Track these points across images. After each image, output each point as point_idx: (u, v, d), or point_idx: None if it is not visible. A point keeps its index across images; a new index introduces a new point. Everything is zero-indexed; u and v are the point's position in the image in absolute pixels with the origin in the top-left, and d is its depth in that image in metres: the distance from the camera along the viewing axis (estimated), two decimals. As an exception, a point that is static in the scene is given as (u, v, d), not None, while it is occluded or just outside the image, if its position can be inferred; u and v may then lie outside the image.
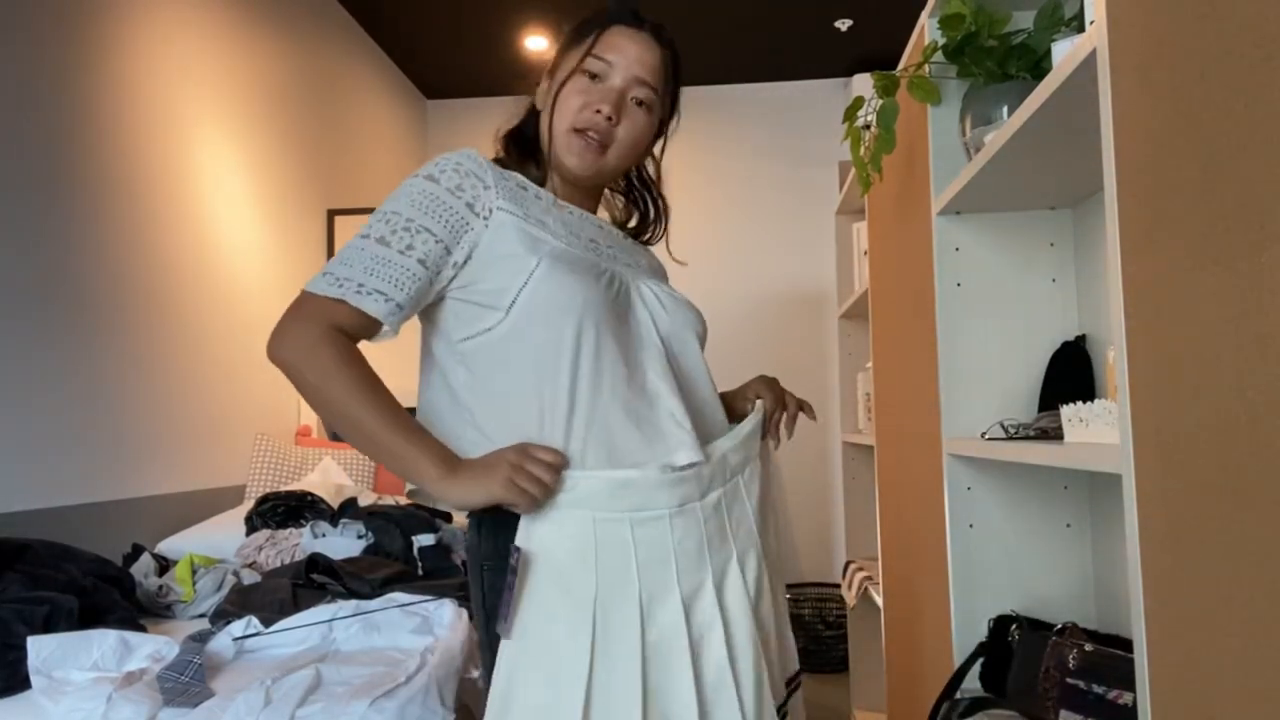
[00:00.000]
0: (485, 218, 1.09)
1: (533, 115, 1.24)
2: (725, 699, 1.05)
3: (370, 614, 1.75)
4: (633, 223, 1.32)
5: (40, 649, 1.50)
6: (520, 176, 1.17)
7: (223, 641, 1.66)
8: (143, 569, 2.30)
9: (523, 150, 1.23)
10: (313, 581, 2.05)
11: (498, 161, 1.21)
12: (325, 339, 1.02)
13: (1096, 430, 1.19)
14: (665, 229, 1.33)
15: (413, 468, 1.02)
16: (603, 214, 1.31)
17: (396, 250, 1.04)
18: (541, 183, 1.20)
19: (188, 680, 1.46)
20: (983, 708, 1.45)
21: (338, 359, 1.02)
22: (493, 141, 1.30)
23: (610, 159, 1.17)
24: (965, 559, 1.61)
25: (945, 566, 1.63)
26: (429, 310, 1.14)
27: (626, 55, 1.16)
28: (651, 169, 1.31)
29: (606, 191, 1.31)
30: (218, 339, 3.05)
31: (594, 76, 1.16)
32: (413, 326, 1.18)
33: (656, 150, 1.29)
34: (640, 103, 1.17)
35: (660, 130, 1.25)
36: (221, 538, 2.57)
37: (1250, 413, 0.72)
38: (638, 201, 1.32)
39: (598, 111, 1.14)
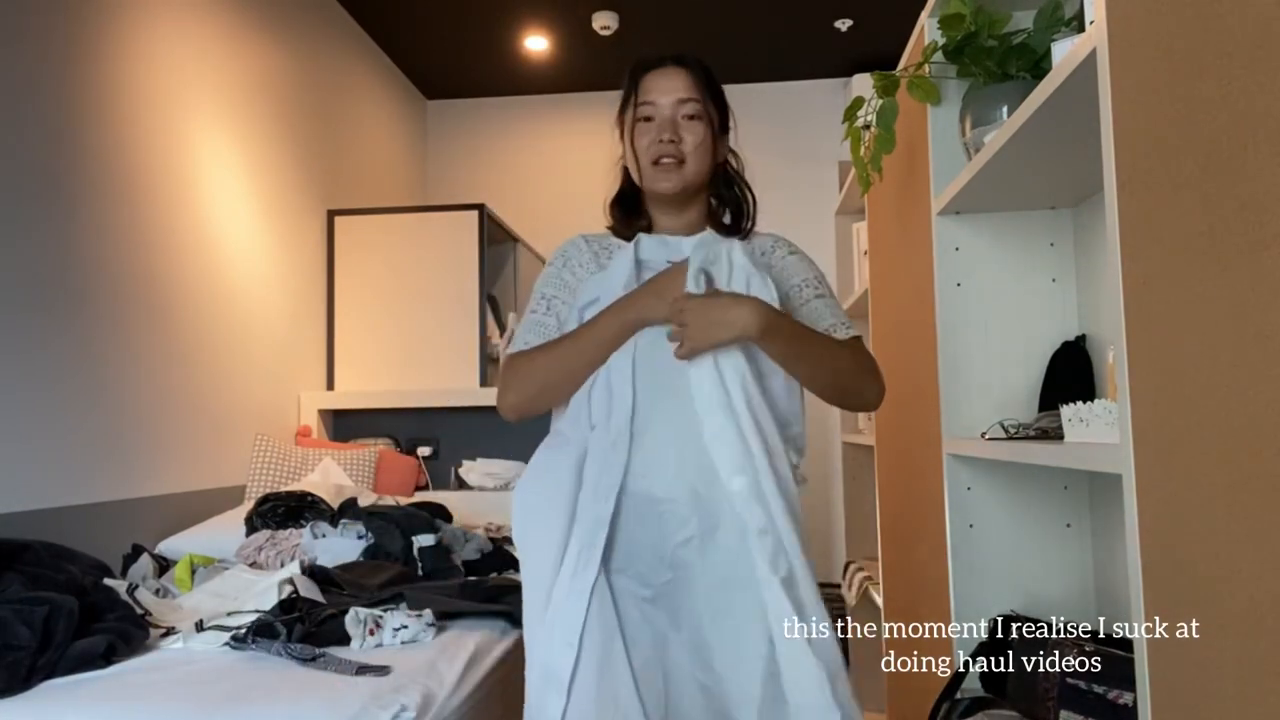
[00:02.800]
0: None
1: (626, 176, 1.50)
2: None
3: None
4: (728, 219, 1.50)
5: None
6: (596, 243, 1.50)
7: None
8: (142, 569, 2.30)
9: (626, 209, 1.49)
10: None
11: (612, 222, 1.52)
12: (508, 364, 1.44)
13: (1096, 430, 1.19)
14: (750, 211, 1.51)
15: (617, 320, 1.33)
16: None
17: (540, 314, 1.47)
18: (649, 227, 1.47)
19: None
20: (983, 708, 1.45)
21: (524, 357, 1.41)
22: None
23: (690, 169, 1.40)
24: (965, 559, 1.61)
25: (945, 567, 1.63)
26: None
27: (663, 90, 1.41)
28: (735, 163, 1.51)
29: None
30: (218, 339, 3.05)
31: (649, 119, 1.41)
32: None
33: (733, 146, 1.50)
34: (691, 116, 1.40)
35: (724, 128, 1.47)
36: (221, 538, 2.57)
37: (1250, 412, 0.72)
38: (728, 198, 1.50)
39: (662, 140, 1.39)
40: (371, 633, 1.79)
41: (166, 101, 2.82)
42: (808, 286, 1.44)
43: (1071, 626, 1.40)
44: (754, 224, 1.51)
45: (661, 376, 1.30)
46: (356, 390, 3.78)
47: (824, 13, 4.22)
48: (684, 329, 1.26)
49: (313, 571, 2.09)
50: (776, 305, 1.31)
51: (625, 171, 1.49)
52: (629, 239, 1.44)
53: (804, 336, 1.32)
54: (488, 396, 3.53)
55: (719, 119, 1.45)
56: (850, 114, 1.78)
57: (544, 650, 1.28)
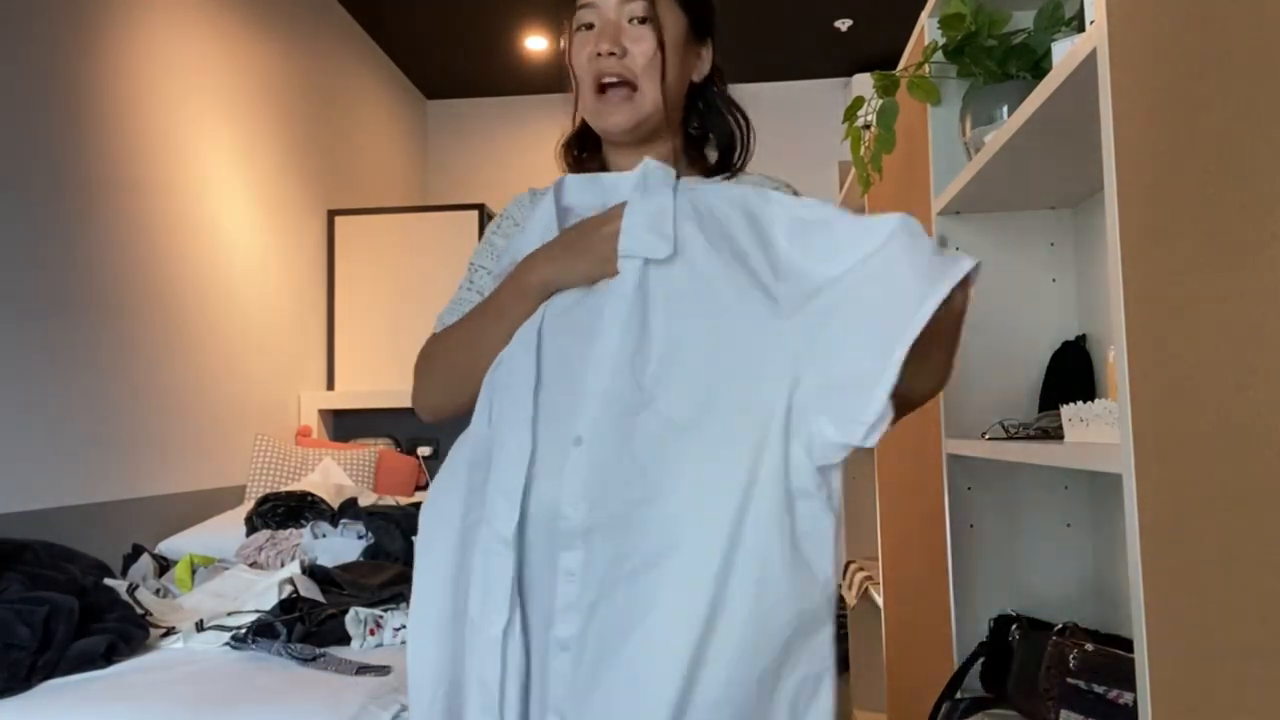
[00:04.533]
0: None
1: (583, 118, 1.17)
2: None
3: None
4: (712, 157, 1.18)
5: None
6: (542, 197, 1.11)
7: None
8: (142, 570, 2.30)
9: (582, 151, 1.19)
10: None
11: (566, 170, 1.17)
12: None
13: (1096, 430, 1.19)
14: (745, 142, 1.17)
15: (516, 286, 1.01)
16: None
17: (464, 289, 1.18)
18: (605, 168, 1.14)
19: None
20: (983, 708, 1.46)
21: (432, 343, 1.13)
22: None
23: (645, 98, 1.07)
24: (965, 559, 1.61)
25: (945, 566, 1.63)
26: None
27: None
28: (719, 81, 1.19)
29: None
30: (218, 339, 3.05)
31: (589, 26, 1.08)
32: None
33: (707, 61, 1.16)
34: (643, 20, 1.06)
35: (701, 33, 1.14)
36: (221, 538, 2.57)
37: (1250, 412, 0.72)
38: (715, 126, 1.18)
39: (599, 54, 1.06)
40: (372, 632, 1.79)
41: (167, 101, 2.82)
42: None
43: (1071, 626, 1.40)
44: (747, 158, 1.17)
45: (576, 349, 0.94)
46: (356, 390, 3.78)
47: (824, 13, 4.22)
48: None
49: (313, 571, 2.09)
50: None
51: (577, 108, 1.16)
52: None
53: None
54: (488, 396, 3.53)
55: (690, 23, 1.11)
56: (850, 114, 1.78)
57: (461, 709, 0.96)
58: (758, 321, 0.89)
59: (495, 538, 0.92)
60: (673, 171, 0.99)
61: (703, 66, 1.15)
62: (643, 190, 0.97)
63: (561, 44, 1.14)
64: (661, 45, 1.06)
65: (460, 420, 1.05)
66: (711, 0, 1.14)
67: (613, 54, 1.05)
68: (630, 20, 1.06)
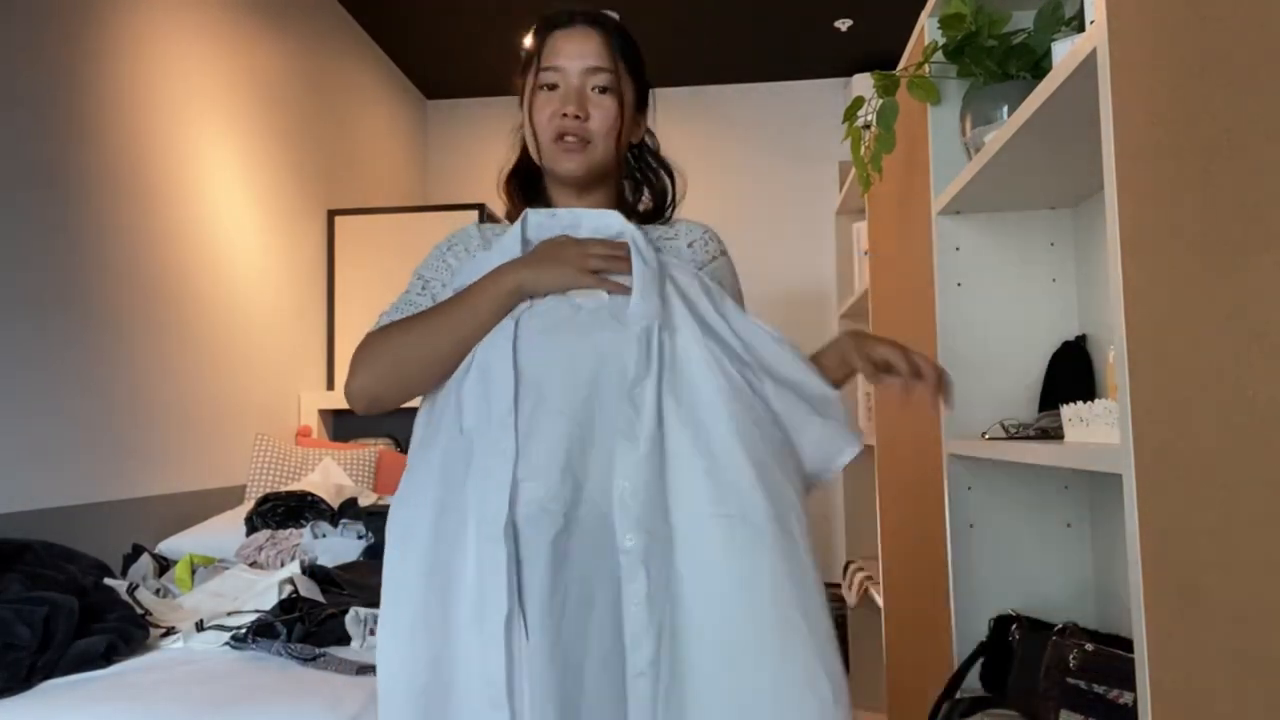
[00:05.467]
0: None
1: (525, 152, 1.30)
2: None
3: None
4: (646, 205, 1.32)
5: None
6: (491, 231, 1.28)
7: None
8: (142, 570, 2.30)
9: (525, 185, 1.31)
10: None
11: (507, 201, 1.32)
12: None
13: (1096, 430, 1.19)
14: (674, 194, 1.33)
15: (492, 287, 1.12)
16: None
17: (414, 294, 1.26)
18: (550, 204, 1.27)
19: None
20: (983, 708, 1.46)
21: (380, 334, 1.18)
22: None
23: (597, 150, 1.21)
24: (965, 559, 1.61)
25: (945, 566, 1.63)
26: None
27: (570, 55, 1.21)
28: (651, 142, 1.34)
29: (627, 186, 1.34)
30: (218, 339, 3.05)
31: (552, 87, 1.21)
32: None
33: (650, 123, 1.32)
34: (602, 89, 1.20)
35: (641, 102, 1.28)
36: (221, 538, 2.56)
37: (1250, 413, 0.72)
38: (651, 181, 1.33)
39: (564, 115, 1.19)
40: (372, 632, 1.79)
41: (167, 101, 2.82)
42: (738, 300, 1.26)
43: (1071, 626, 1.40)
44: (676, 208, 1.33)
45: (553, 355, 1.07)
46: (356, 390, 3.77)
47: (824, 13, 4.22)
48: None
49: (313, 571, 2.09)
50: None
51: (523, 143, 1.29)
52: None
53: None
54: (488, 396, 3.53)
55: (637, 95, 1.26)
56: (850, 114, 1.78)
57: (444, 710, 1.01)
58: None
59: (487, 535, 1.00)
60: (640, 235, 1.16)
61: (640, 131, 1.31)
62: (638, 256, 1.12)
63: (522, 92, 1.27)
64: (621, 113, 1.21)
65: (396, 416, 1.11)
66: (647, 80, 1.30)
67: (577, 117, 1.19)
68: (594, 88, 1.20)
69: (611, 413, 1.04)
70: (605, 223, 1.19)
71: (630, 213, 1.27)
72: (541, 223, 1.20)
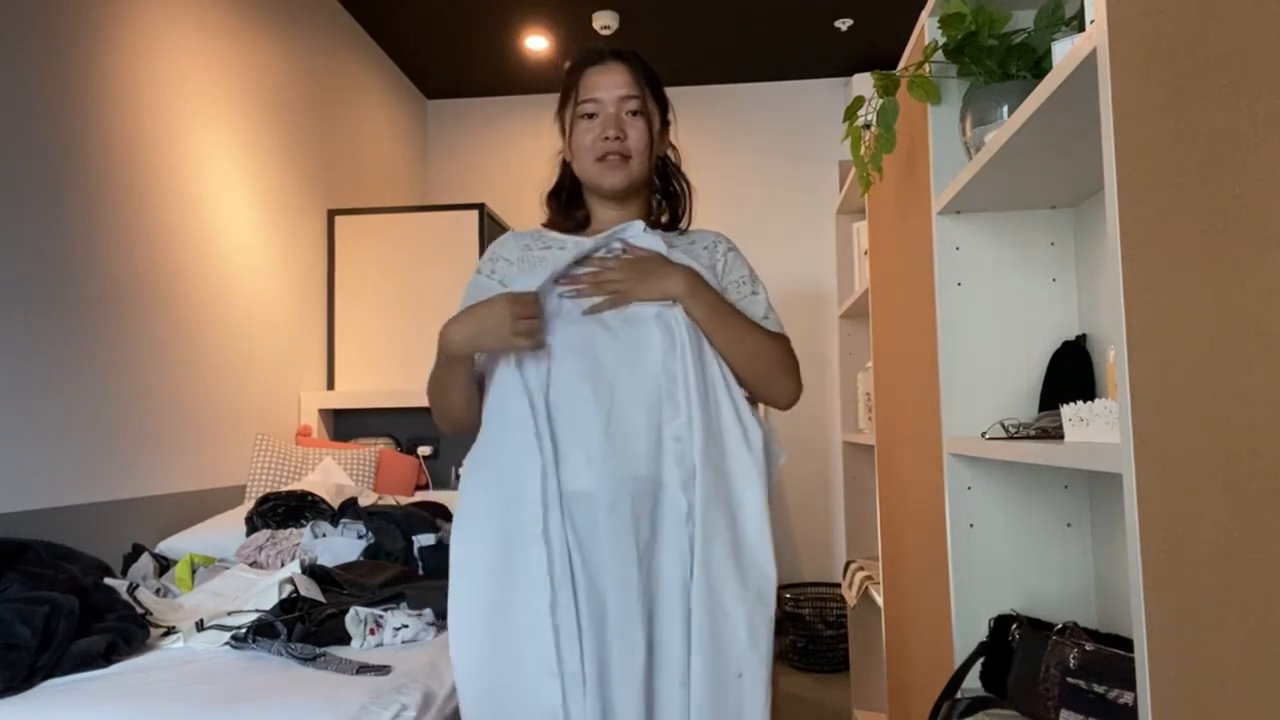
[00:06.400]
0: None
1: (565, 169, 1.52)
2: None
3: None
4: (665, 218, 1.53)
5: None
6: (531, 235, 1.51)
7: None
8: (142, 569, 2.30)
9: (564, 202, 1.51)
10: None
11: (550, 215, 1.53)
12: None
13: (1096, 430, 1.19)
14: (688, 204, 1.55)
15: (443, 350, 1.34)
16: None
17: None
18: (588, 219, 1.49)
19: None
20: (983, 707, 1.45)
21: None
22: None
23: (635, 165, 1.43)
24: (965, 559, 1.61)
25: (945, 566, 1.63)
26: None
27: (605, 87, 1.42)
28: (674, 157, 1.55)
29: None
30: (218, 339, 3.05)
31: (591, 116, 1.43)
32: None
33: (673, 140, 1.54)
34: (634, 113, 1.43)
35: (664, 122, 1.49)
36: (222, 538, 2.57)
37: (1250, 412, 0.72)
38: (673, 193, 1.54)
39: (607, 138, 1.41)
40: (372, 632, 1.79)
41: (167, 101, 2.82)
42: (745, 284, 1.49)
43: (1071, 626, 1.40)
44: (690, 216, 1.55)
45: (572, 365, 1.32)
46: (356, 390, 3.78)
47: (824, 13, 4.22)
48: (612, 283, 1.33)
49: (313, 571, 2.09)
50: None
51: (564, 165, 1.51)
52: (567, 231, 1.47)
53: (729, 309, 1.39)
54: (488, 396, 3.53)
55: (661, 115, 1.48)
56: (850, 113, 1.78)
57: (507, 689, 1.27)
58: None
59: (531, 536, 1.26)
60: (657, 236, 1.41)
61: (664, 146, 1.52)
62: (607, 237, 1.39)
63: (562, 123, 1.48)
64: (651, 131, 1.44)
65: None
66: (668, 100, 1.52)
67: (618, 138, 1.41)
68: (628, 112, 1.42)
69: (643, 389, 1.31)
70: (630, 230, 1.41)
71: (653, 224, 1.48)
72: (580, 241, 1.42)
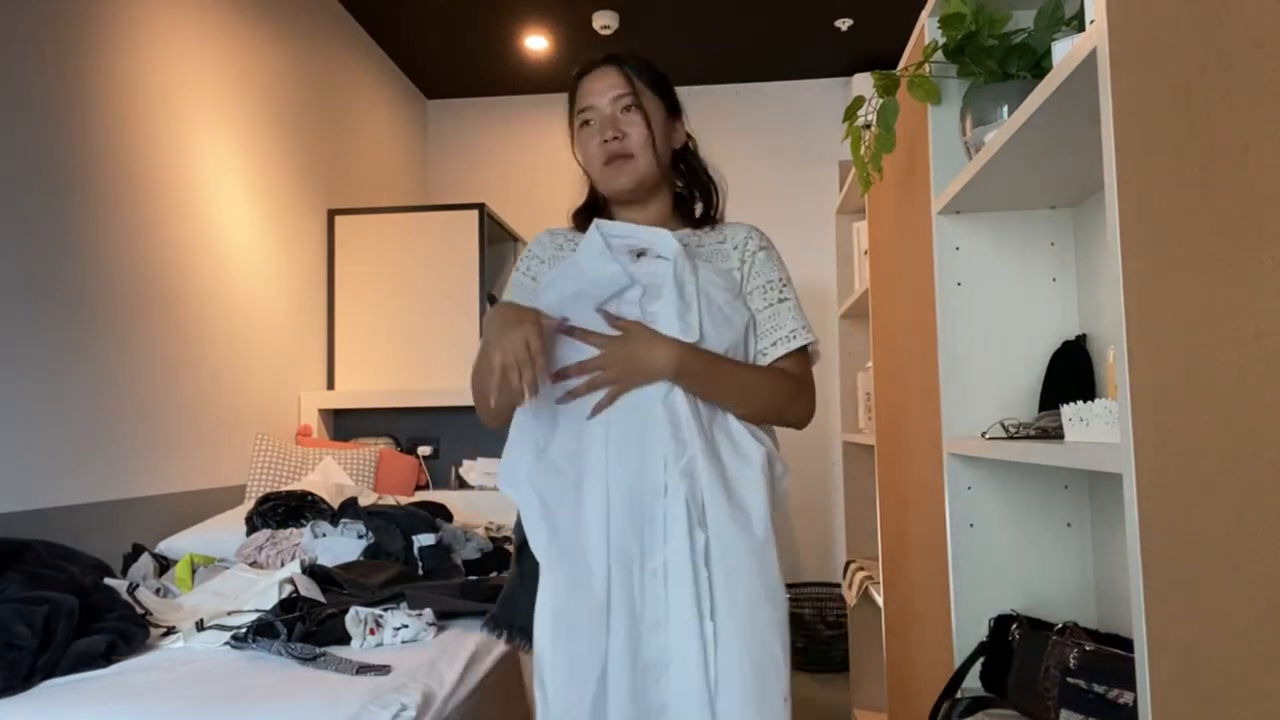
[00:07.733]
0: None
1: (591, 190, 1.51)
2: None
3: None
4: (699, 210, 1.51)
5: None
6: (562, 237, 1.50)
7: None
8: (142, 569, 2.30)
9: (589, 214, 1.50)
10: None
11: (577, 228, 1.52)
12: None
13: (1096, 430, 1.19)
14: (719, 198, 1.52)
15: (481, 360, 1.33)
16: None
17: None
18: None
19: None
20: (983, 707, 1.45)
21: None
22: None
23: (640, 161, 1.41)
24: (965, 559, 1.61)
25: (945, 566, 1.63)
26: None
27: (598, 91, 1.42)
28: (692, 145, 1.52)
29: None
30: (218, 338, 3.05)
31: (588, 124, 1.43)
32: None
33: (688, 131, 1.51)
34: (627, 108, 1.41)
35: (671, 109, 1.47)
36: (222, 537, 2.57)
37: (1250, 412, 0.72)
38: (699, 186, 1.52)
39: (605, 141, 1.40)
40: (372, 632, 1.79)
41: (167, 101, 2.82)
42: (773, 289, 1.45)
43: (1071, 626, 1.40)
44: (721, 210, 1.52)
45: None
46: (356, 390, 3.78)
47: (824, 13, 4.22)
48: (603, 379, 1.29)
49: (313, 571, 2.09)
50: (725, 306, 1.37)
51: (589, 182, 1.51)
52: None
53: (722, 375, 1.34)
54: (488, 396, 3.53)
55: (665, 106, 1.46)
56: (850, 113, 1.78)
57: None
58: None
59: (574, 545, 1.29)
60: (685, 262, 1.36)
61: (679, 136, 1.50)
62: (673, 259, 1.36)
63: (571, 138, 1.48)
64: (649, 124, 1.41)
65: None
66: (672, 85, 1.50)
67: (616, 138, 1.40)
68: (622, 110, 1.41)
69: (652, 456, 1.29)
70: (659, 240, 1.38)
71: (686, 219, 1.48)
72: (610, 232, 1.40)
